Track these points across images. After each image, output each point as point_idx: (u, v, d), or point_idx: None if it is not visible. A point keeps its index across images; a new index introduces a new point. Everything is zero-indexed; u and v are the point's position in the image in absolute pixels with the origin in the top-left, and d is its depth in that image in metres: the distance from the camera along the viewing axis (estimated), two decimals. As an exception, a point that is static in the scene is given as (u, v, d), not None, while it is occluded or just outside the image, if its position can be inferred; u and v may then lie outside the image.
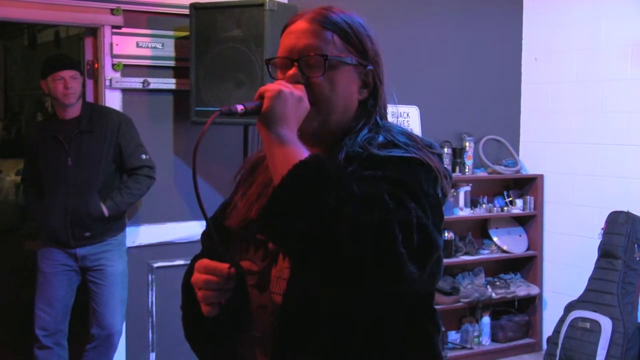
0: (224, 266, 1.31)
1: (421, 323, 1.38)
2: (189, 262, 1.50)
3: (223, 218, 1.46)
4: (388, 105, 1.46)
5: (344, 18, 1.39)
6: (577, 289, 4.68)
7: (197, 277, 1.34)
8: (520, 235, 5.38)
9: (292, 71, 1.34)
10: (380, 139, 1.34)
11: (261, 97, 1.25)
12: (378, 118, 1.40)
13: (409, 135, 1.37)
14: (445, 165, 4.86)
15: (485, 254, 5.20)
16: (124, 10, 3.95)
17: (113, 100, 3.98)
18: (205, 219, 1.26)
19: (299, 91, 1.29)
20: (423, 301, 1.38)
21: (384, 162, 1.27)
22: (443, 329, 4.90)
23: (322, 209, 1.11)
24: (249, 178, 1.47)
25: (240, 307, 1.37)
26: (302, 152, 1.20)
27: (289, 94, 1.26)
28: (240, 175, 1.52)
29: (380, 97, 1.42)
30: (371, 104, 1.40)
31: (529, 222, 5.37)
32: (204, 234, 1.54)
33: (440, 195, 1.29)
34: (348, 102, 1.37)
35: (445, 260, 4.90)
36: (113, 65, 3.97)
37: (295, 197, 1.13)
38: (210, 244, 1.48)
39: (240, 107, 1.25)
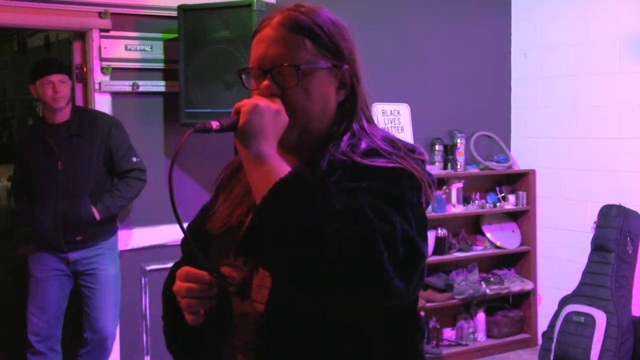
0: (206, 273, 1.28)
1: (404, 328, 1.36)
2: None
3: (204, 221, 1.44)
4: (374, 103, 1.43)
5: (314, 19, 1.33)
6: (571, 283, 4.69)
7: (179, 285, 1.31)
8: (513, 231, 5.38)
9: (265, 83, 1.30)
10: (363, 145, 1.31)
11: (237, 112, 1.22)
12: (364, 120, 1.37)
13: (392, 142, 1.33)
14: (436, 162, 4.77)
15: (478, 250, 5.21)
16: (112, 14, 3.94)
17: (103, 103, 3.96)
18: (181, 228, 1.24)
19: (276, 104, 1.26)
20: (406, 306, 1.36)
21: (367, 172, 1.25)
22: (438, 326, 4.93)
23: (304, 229, 1.09)
24: (231, 181, 1.44)
25: (223, 315, 1.35)
26: (282, 169, 1.17)
27: (265, 107, 1.22)
28: (220, 179, 1.49)
29: (359, 96, 1.37)
30: (350, 104, 1.36)
31: (522, 218, 5.38)
32: (183, 240, 1.51)
33: (424, 204, 1.27)
34: (325, 106, 1.33)
35: (439, 257, 4.91)
36: (102, 68, 3.96)
37: (276, 218, 1.11)
38: (189, 250, 1.45)
39: (215, 124, 1.20)
